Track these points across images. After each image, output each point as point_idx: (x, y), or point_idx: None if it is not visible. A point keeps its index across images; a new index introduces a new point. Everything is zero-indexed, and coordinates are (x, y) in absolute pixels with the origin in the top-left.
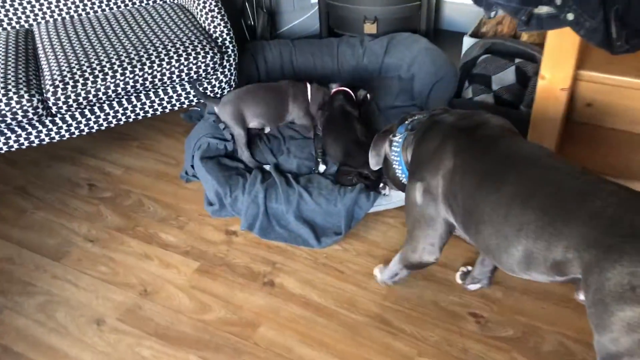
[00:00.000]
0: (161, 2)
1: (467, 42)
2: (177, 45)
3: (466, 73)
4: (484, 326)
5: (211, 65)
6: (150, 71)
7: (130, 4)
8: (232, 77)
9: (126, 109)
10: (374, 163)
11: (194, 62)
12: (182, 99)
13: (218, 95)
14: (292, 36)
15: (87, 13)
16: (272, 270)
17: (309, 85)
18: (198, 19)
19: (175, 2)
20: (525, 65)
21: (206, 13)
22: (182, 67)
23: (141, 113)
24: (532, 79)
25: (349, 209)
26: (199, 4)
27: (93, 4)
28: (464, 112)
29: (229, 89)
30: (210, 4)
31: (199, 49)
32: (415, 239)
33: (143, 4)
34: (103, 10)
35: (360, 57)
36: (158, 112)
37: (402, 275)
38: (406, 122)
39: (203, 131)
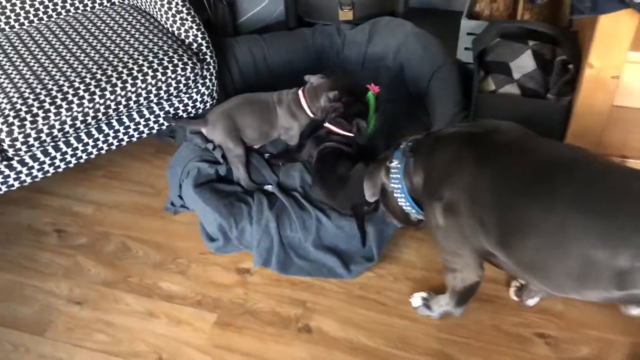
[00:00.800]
0: (111, 5)
1: (466, 24)
2: (150, 58)
3: (480, 61)
4: (555, 347)
5: (192, 78)
6: (122, 92)
7: (72, 9)
8: (214, 89)
9: (97, 139)
10: (370, 194)
11: (172, 75)
12: (161, 120)
13: (200, 111)
14: (253, 27)
15: (25, 25)
16: (303, 312)
17: (301, 95)
18: (164, 23)
19: (128, 2)
20: (541, 48)
21: (173, 15)
22: (159, 83)
23: (115, 142)
24: (554, 64)
25: (378, 228)
26: (162, 5)
27: (28, 12)
28: (466, 123)
29: (211, 103)
30: (177, 4)
31: (175, 60)
32: (451, 263)
33: (89, 8)
34: (43, 19)
35: (340, 48)
36: (134, 139)
37: (457, 313)
38: (401, 146)
39: (189, 155)
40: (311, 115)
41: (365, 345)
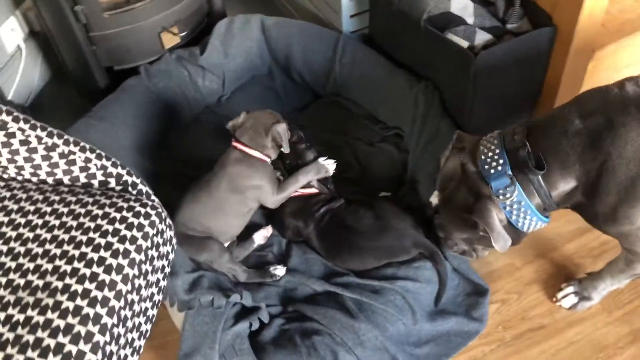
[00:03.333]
0: None
1: None
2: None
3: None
4: None
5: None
6: None
7: None
8: (170, 234)
9: None
10: (504, 242)
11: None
12: None
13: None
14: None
15: None
16: None
17: (239, 146)
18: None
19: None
20: None
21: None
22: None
23: None
24: None
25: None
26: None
27: None
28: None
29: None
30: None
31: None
32: None
33: None
34: None
35: (194, 80)
36: None
37: (624, 284)
38: (491, 170)
39: (212, 325)
40: (267, 159)
41: None
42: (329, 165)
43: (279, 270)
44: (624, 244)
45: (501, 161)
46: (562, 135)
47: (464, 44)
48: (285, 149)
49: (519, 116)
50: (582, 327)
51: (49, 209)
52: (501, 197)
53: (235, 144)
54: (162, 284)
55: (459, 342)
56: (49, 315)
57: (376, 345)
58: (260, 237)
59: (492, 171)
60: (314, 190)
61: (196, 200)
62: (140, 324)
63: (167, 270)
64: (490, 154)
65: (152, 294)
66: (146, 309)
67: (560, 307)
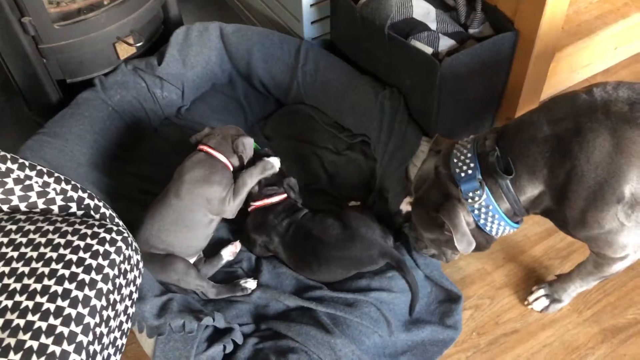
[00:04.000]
0: None
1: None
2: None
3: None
4: None
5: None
6: None
7: None
8: (137, 259)
9: None
10: (467, 244)
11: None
12: None
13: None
14: None
15: None
16: None
17: (208, 149)
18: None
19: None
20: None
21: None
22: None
23: None
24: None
25: (428, 265)
26: None
27: None
28: (551, 104)
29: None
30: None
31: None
32: (625, 252)
33: None
34: None
35: (156, 97)
36: None
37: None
38: (462, 174)
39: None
40: (230, 165)
41: None
42: (274, 162)
43: (250, 284)
44: (593, 248)
45: (472, 165)
46: (531, 141)
47: (428, 50)
48: (245, 162)
49: (483, 120)
50: (554, 330)
51: (5, 240)
52: (470, 200)
53: (201, 146)
54: (131, 311)
55: (435, 351)
56: (12, 356)
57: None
58: (228, 252)
59: (463, 175)
60: (280, 197)
61: (156, 214)
62: (109, 355)
63: (135, 296)
64: (462, 157)
65: (121, 323)
66: (115, 339)
67: (532, 310)
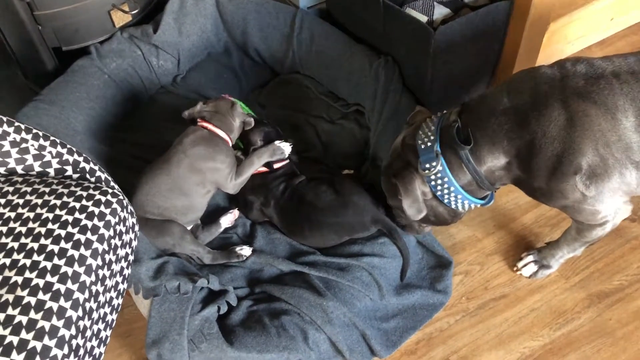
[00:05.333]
0: None
1: None
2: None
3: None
4: None
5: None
6: None
7: None
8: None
9: None
10: (416, 212)
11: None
12: None
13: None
14: None
15: None
16: None
17: (208, 125)
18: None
19: None
20: None
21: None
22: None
23: None
24: None
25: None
26: None
27: None
28: (514, 77)
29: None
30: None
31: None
32: (601, 219)
33: None
34: None
35: (152, 65)
36: None
37: (581, 252)
38: (422, 145)
39: (178, 312)
40: (230, 141)
41: (532, 347)
42: (285, 147)
43: (245, 251)
44: (569, 215)
45: (432, 137)
46: (491, 113)
47: (423, 18)
48: (249, 125)
49: (477, 90)
50: (541, 295)
51: (2, 201)
52: (427, 171)
53: (202, 123)
54: (126, 272)
55: (425, 314)
56: (10, 311)
57: (345, 322)
58: (227, 220)
59: (423, 146)
60: (282, 163)
61: (152, 180)
62: (105, 314)
63: (131, 258)
64: (426, 130)
65: (117, 283)
66: (111, 298)
67: (521, 276)
